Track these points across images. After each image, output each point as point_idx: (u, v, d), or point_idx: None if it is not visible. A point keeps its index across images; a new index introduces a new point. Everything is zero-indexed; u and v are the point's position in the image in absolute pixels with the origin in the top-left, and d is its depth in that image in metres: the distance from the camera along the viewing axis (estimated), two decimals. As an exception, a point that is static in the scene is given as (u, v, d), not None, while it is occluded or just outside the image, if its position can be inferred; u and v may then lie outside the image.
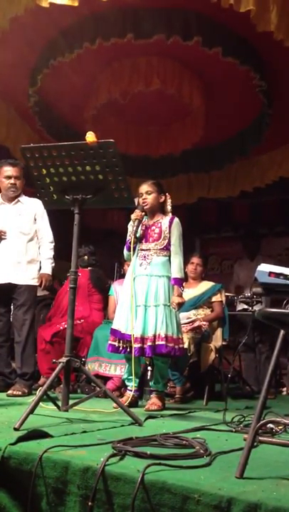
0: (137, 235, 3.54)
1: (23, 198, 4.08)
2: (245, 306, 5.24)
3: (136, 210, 3.56)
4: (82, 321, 4.57)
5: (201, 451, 1.87)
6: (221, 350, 4.42)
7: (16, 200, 4.06)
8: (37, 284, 4.01)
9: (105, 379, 4.12)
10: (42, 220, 4.08)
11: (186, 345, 3.85)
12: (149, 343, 3.30)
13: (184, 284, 3.62)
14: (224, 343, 4.48)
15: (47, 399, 2.66)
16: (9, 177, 4.01)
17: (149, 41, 4.39)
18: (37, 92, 5.15)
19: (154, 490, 1.52)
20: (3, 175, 4.03)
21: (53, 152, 2.78)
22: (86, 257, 5.03)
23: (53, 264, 4.09)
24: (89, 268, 4.99)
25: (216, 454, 1.87)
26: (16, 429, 2.19)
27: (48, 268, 4.06)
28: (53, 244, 4.11)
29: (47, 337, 4.36)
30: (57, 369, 2.63)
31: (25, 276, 3.97)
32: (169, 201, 3.68)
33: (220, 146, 6.27)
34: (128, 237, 3.54)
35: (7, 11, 4.09)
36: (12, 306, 4.06)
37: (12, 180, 4.01)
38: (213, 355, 4.21)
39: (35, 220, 4.07)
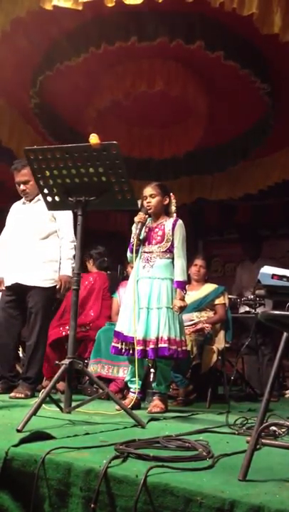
0: (141, 238, 3.54)
1: None
2: (248, 309, 5.23)
3: (139, 213, 3.56)
4: (87, 328, 4.55)
5: (204, 454, 1.87)
6: (224, 353, 4.41)
7: (37, 199, 3.93)
8: (51, 285, 3.84)
9: (108, 381, 4.12)
10: (61, 219, 3.91)
11: (188, 348, 3.85)
12: (151, 346, 3.29)
13: (187, 286, 3.61)
14: (227, 345, 4.47)
15: (50, 401, 2.66)
16: (18, 184, 3.96)
17: (152, 44, 4.40)
18: (39, 93, 5.15)
19: (156, 492, 1.52)
20: (14, 180, 3.99)
21: (57, 154, 2.78)
22: (106, 258, 5.00)
23: (74, 265, 3.71)
24: (108, 272, 4.98)
25: (218, 456, 1.87)
26: (18, 431, 2.19)
27: (67, 269, 3.84)
28: (74, 243, 3.83)
29: (48, 340, 4.34)
30: (59, 371, 2.63)
31: (36, 277, 3.82)
32: (173, 201, 3.66)
33: (223, 148, 6.27)
34: (131, 240, 3.54)
35: (9, 12, 4.10)
36: None
37: (22, 187, 3.95)
38: (214, 357, 4.20)
39: (54, 218, 3.92)
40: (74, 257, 3.83)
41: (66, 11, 3.90)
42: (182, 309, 3.42)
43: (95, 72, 5.03)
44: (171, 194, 3.68)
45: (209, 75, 5.02)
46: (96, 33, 4.42)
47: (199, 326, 4.23)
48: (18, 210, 4.08)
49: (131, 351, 3.35)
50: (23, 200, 4.08)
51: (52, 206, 3.05)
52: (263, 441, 1.77)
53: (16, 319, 3.94)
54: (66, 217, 3.93)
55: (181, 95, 5.02)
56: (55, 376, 2.62)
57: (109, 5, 3.82)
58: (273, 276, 1.75)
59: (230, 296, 4.90)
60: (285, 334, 1.76)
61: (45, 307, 3.87)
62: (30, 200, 4.01)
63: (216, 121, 5.49)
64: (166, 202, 3.62)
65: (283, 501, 1.38)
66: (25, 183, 3.93)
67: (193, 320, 4.34)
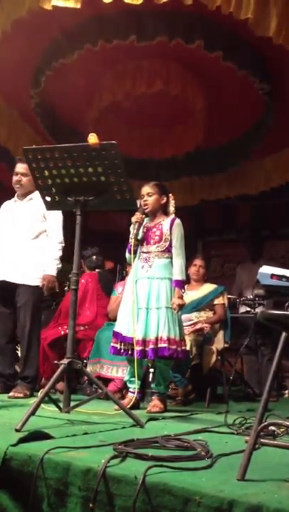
0: (138, 238, 3.53)
1: (37, 195, 3.80)
2: (248, 309, 5.23)
3: (136, 213, 3.55)
4: (86, 327, 4.55)
5: (203, 453, 1.86)
6: (223, 353, 4.41)
7: (29, 197, 3.95)
8: (39, 284, 3.83)
9: (107, 381, 4.12)
10: (51, 218, 3.90)
11: (188, 348, 3.85)
12: (151, 346, 3.29)
13: (186, 286, 3.61)
14: (226, 345, 4.48)
15: (48, 400, 2.66)
16: (16, 173, 3.97)
17: (151, 43, 4.39)
18: (40, 93, 5.15)
19: (155, 492, 1.52)
20: (14, 171, 4.00)
21: (56, 154, 2.77)
22: (94, 257, 5.00)
23: (60, 266, 3.88)
24: (97, 270, 4.98)
25: (217, 456, 1.87)
26: (17, 431, 2.19)
27: (51, 269, 3.85)
28: (62, 244, 3.89)
29: (47, 340, 4.34)
30: (58, 371, 2.62)
31: (25, 275, 3.81)
32: (172, 202, 3.65)
33: (223, 148, 6.27)
34: (130, 240, 3.54)
35: (10, 12, 4.10)
36: None
37: (17, 177, 3.95)
38: (214, 358, 4.21)
39: (45, 218, 3.91)
40: (60, 258, 3.88)
41: (65, 9, 3.90)
42: (181, 307, 3.42)
43: (94, 72, 5.03)
44: (170, 195, 3.68)
45: (209, 75, 5.02)
46: (95, 31, 4.42)
47: (198, 326, 4.23)
48: (8, 208, 4.06)
49: (130, 351, 3.35)
50: (14, 198, 4.09)
51: (51, 206, 3.05)
52: (261, 441, 1.77)
53: (8, 317, 3.92)
54: (56, 217, 3.91)
55: (180, 95, 5.02)
56: (54, 376, 2.62)
57: (106, 1, 3.81)
58: (272, 276, 1.75)
59: (229, 296, 4.90)
60: (283, 334, 1.76)
61: (35, 305, 3.85)
62: (22, 198, 4.01)
63: (215, 122, 5.49)
64: (164, 201, 3.61)
65: (282, 501, 1.38)
66: (23, 174, 3.91)
67: (192, 320, 4.34)
